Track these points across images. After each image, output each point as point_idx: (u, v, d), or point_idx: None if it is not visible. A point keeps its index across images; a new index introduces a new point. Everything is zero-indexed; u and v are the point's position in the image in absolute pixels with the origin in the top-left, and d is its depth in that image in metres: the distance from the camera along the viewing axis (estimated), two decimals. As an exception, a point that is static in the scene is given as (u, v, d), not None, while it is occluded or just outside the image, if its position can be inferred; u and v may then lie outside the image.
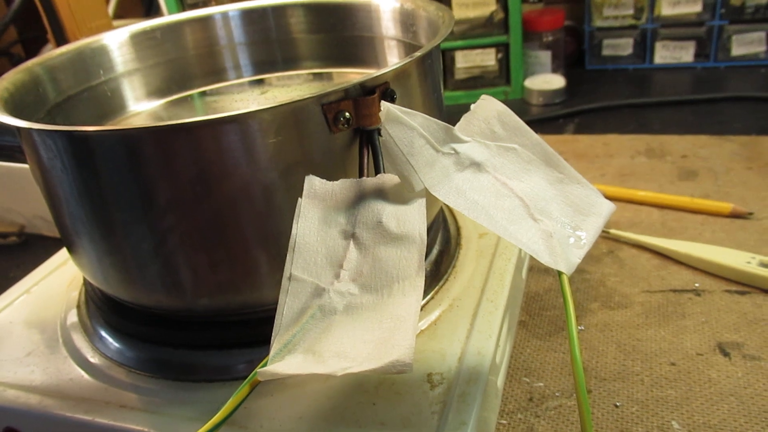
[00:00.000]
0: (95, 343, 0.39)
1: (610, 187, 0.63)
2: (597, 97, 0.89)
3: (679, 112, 0.82)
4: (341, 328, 0.25)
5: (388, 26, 0.46)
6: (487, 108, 0.33)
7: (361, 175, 0.31)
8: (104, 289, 0.37)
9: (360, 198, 0.29)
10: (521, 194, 0.31)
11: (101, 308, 0.40)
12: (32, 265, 0.67)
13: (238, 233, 0.31)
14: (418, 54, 0.32)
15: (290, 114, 0.29)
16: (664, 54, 0.94)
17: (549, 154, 0.33)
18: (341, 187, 0.29)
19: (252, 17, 0.50)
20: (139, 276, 0.34)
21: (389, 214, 0.28)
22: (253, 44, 0.50)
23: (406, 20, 0.44)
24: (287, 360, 0.23)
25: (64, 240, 0.39)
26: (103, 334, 0.39)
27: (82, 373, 0.37)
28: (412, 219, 0.28)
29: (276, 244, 0.32)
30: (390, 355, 0.22)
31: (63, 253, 0.50)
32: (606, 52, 0.97)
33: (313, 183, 0.29)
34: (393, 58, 0.46)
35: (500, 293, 0.39)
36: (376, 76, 0.30)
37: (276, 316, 0.25)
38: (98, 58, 0.46)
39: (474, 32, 0.88)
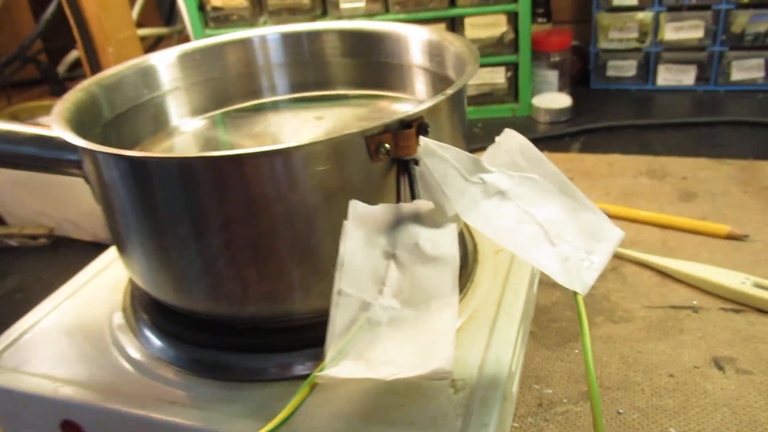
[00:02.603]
0: (142, 343, 0.42)
1: (615, 207, 0.67)
2: (601, 117, 0.93)
3: (679, 134, 0.85)
4: (386, 338, 0.28)
5: (416, 55, 0.49)
6: (511, 141, 0.36)
7: (398, 200, 0.34)
8: (155, 295, 0.41)
9: (398, 222, 0.33)
10: (541, 220, 0.34)
11: (148, 311, 0.44)
12: (62, 267, 0.71)
13: (283, 250, 0.35)
14: (450, 92, 0.36)
15: (338, 145, 0.33)
16: (667, 76, 0.98)
17: (565, 184, 0.36)
18: (382, 211, 0.33)
19: (288, 40, 0.53)
20: (192, 285, 0.37)
21: (425, 237, 0.32)
22: (288, 66, 0.54)
23: (433, 51, 0.48)
24: (341, 365, 0.27)
25: (118, 247, 0.42)
26: (150, 335, 0.43)
27: (133, 371, 0.40)
28: (446, 242, 0.32)
29: (316, 260, 0.36)
30: (432, 363, 0.26)
31: (103, 259, 0.53)
32: (610, 72, 1.01)
33: (356, 207, 0.32)
34: (419, 85, 0.50)
35: (515, 307, 0.42)
36: (414, 113, 0.34)
37: (328, 326, 0.29)
38: (145, 77, 0.50)
39: (485, 51, 0.92)
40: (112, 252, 0.54)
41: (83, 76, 1.10)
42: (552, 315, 0.54)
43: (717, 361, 0.47)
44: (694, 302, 0.54)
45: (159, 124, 0.50)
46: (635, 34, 0.97)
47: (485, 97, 0.95)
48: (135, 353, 0.42)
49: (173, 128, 0.51)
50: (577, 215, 0.36)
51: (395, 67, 0.51)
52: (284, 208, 0.34)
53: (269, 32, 0.54)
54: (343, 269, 0.30)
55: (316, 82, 0.54)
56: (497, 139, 0.36)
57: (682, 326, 0.51)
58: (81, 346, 0.43)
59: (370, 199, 0.33)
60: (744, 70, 0.94)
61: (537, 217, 0.34)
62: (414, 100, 0.50)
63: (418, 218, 0.33)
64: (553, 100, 0.94)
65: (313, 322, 0.39)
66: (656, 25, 0.95)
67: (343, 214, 0.32)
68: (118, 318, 0.45)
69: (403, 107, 0.50)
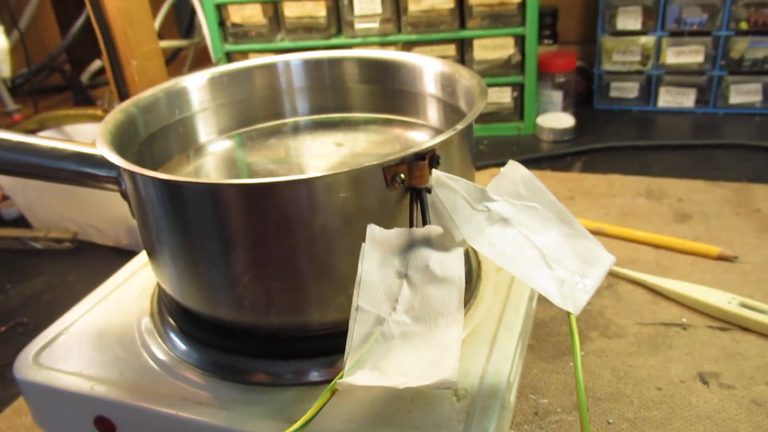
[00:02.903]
0: (169, 347, 0.46)
1: (612, 227, 0.70)
2: (603, 137, 0.96)
3: (678, 155, 0.89)
4: (399, 350, 0.32)
5: (429, 84, 0.53)
6: (514, 172, 0.40)
7: (411, 224, 0.38)
8: (183, 302, 0.44)
9: (411, 245, 0.36)
10: (540, 246, 0.38)
11: (174, 317, 0.47)
12: (86, 271, 0.75)
13: (304, 268, 0.38)
14: (460, 127, 0.39)
15: (358, 175, 0.36)
16: (667, 98, 1.02)
17: (563, 213, 0.40)
18: (396, 234, 0.36)
19: (310, 66, 0.57)
20: (219, 296, 0.41)
21: (435, 260, 0.35)
22: (309, 90, 0.58)
23: (445, 81, 0.51)
24: (358, 374, 0.30)
25: (150, 256, 0.46)
26: (176, 339, 0.46)
27: (161, 372, 0.44)
28: (453, 265, 0.35)
29: (333, 277, 0.39)
30: (440, 374, 0.29)
31: (130, 266, 0.57)
32: (613, 93, 1.05)
33: (373, 231, 0.36)
34: (432, 112, 0.53)
35: (515, 323, 0.46)
36: (427, 147, 0.37)
37: (347, 339, 0.32)
38: (177, 98, 0.53)
39: (492, 72, 0.96)
40: (138, 260, 0.58)
41: (105, 84, 1.14)
42: (549, 329, 0.57)
43: (702, 376, 0.51)
44: (684, 320, 0.57)
45: (187, 143, 0.54)
46: (638, 57, 1.00)
47: (491, 116, 0.99)
48: (162, 356, 0.45)
49: (200, 147, 0.55)
50: (573, 241, 0.39)
51: (409, 94, 0.54)
52: (307, 231, 0.37)
53: (293, 58, 0.57)
54: (361, 287, 0.34)
55: (335, 106, 0.58)
56: (502, 170, 0.40)
57: (671, 342, 0.54)
58: (113, 348, 0.47)
59: (386, 223, 0.36)
60: (742, 94, 0.97)
61: (536, 242, 0.38)
62: (426, 126, 0.54)
63: (428, 242, 0.36)
64: (557, 119, 0.97)
65: (327, 332, 0.42)
66: (658, 49, 0.98)
67: (360, 237, 0.36)
68: (147, 322, 0.49)
69: (416, 135, 0.53)
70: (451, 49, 0.95)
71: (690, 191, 0.78)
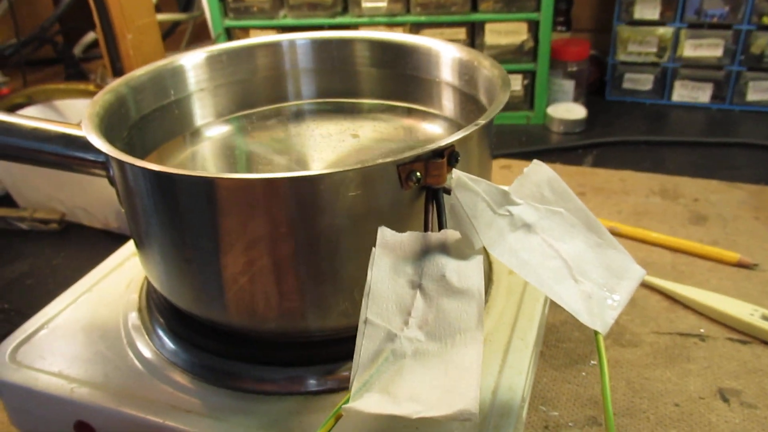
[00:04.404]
0: (157, 346, 0.43)
1: (626, 227, 0.67)
2: (615, 130, 0.93)
3: (692, 153, 0.86)
4: (411, 372, 0.29)
5: (445, 71, 0.49)
6: (539, 173, 0.37)
7: (426, 228, 0.34)
8: (173, 301, 0.41)
9: (426, 251, 0.33)
10: (565, 256, 0.35)
11: (164, 314, 0.44)
12: (73, 254, 0.71)
13: (308, 270, 0.35)
14: (481, 122, 0.36)
15: (369, 173, 0.33)
16: (682, 93, 0.98)
17: (590, 219, 0.36)
18: (409, 239, 0.33)
19: (317, 46, 0.53)
20: (212, 297, 0.38)
21: (452, 269, 0.32)
22: (315, 72, 0.54)
23: (462, 69, 0.48)
24: (366, 398, 0.27)
25: (138, 249, 0.42)
26: (165, 338, 0.43)
27: (147, 374, 0.41)
28: (472, 275, 0.32)
29: (339, 281, 0.36)
30: (457, 404, 0.26)
31: (119, 255, 0.53)
32: (626, 85, 1.01)
33: (384, 234, 0.33)
34: (447, 102, 0.50)
35: (529, 332, 0.43)
36: (446, 143, 0.34)
37: (354, 357, 0.29)
38: (172, 78, 0.50)
39: (504, 58, 0.92)
40: (127, 248, 0.54)
41: (99, 58, 1.10)
42: (560, 335, 0.54)
43: (722, 392, 0.48)
44: (702, 330, 0.54)
45: (183, 126, 0.50)
46: (654, 49, 0.96)
47: (500, 104, 0.95)
48: (150, 356, 0.42)
49: (197, 131, 0.51)
50: (601, 252, 0.36)
51: (423, 81, 0.51)
52: (311, 231, 0.34)
53: (298, 37, 0.54)
54: (370, 297, 0.31)
55: (343, 91, 0.54)
56: (525, 170, 0.36)
57: (689, 354, 0.52)
58: (96, 346, 0.44)
59: (398, 225, 0.33)
60: (761, 91, 0.94)
61: (561, 252, 0.35)
62: (440, 116, 0.50)
63: (445, 248, 0.33)
64: (568, 110, 0.94)
65: (329, 338, 0.39)
66: (676, 41, 0.95)
67: (370, 239, 0.32)
68: (134, 318, 0.46)
69: (429, 127, 0.50)
70: (461, 33, 0.91)
71: (706, 191, 0.75)
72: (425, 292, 0.32)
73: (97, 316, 0.47)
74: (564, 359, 0.52)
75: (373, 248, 0.32)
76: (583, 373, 0.50)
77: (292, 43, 0.54)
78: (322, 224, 0.34)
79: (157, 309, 0.45)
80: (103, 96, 0.43)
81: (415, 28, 0.91)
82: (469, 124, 0.36)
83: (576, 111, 0.94)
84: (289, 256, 0.35)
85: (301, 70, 0.54)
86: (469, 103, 0.48)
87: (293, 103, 0.55)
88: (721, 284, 0.59)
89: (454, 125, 0.49)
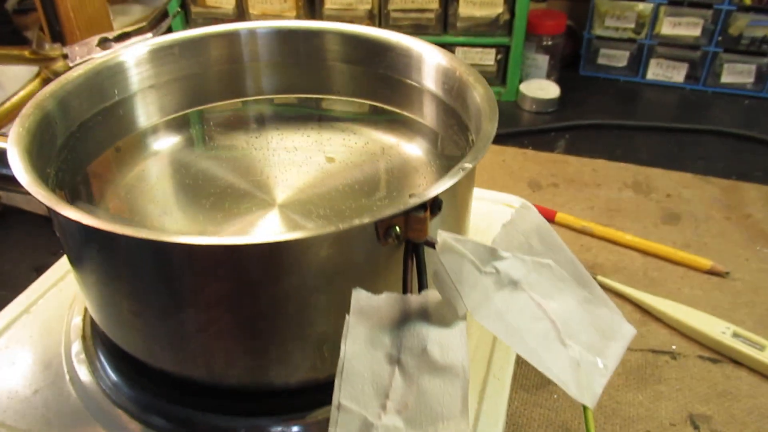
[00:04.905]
0: (104, 387, 0.39)
1: (600, 227, 0.65)
2: (588, 110, 0.90)
3: (665, 139, 0.84)
4: (389, 470, 0.26)
5: (427, 77, 0.45)
6: (527, 220, 0.34)
7: (405, 287, 0.31)
8: (120, 345, 0.37)
9: (405, 317, 0.30)
10: (553, 316, 0.32)
11: (112, 351, 0.40)
12: (11, 243, 0.65)
13: (275, 328, 0.32)
14: (468, 165, 0.32)
15: (346, 233, 0.29)
16: (657, 71, 0.96)
17: (580, 272, 0.34)
18: (386, 302, 0.30)
19: (281, 38, 0.48)
20: (166, 352, 0.34)
21: (433, 340, 0.29)
22: (278, 66, 0.49)
23: (443, 77, 0.43)
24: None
25: (79, 285, 0.38)
26: (114, 378, 0.39)
27: (93, 420, 0.37)
28: (456, 347, 0.29)
29: (306, 338, 0.33)
30: None
31: (60, 267, 0.48)
32: (601, 60, 0.98)
33: (360, 298, 0.29)
34: (426, 108, 0.45)
35: (506, 369, 0.41)
36: (430, 197, 0.30)
37: (325, 451, 0.26)
38: (114, 77, 0.44)
39: (477, 30, 0.87)
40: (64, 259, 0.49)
41: (34, 10, 1.00)
42: (532, 351, 0.53)
43: (693, 418, 0.47)
44: (673, 347, 0.53)
45: (126, 127, 0.45)
46: (632, 25, 0.93)
47: (472, 79, 0.90)
48: (97, 397, 0.38)
49: (146, 137, 0.46)
50: (590, 309, 0.33)
51: (399, 83, 0.46)
52: (277, 291, 0.30)
53: (259, 26, 0.48)
54: (344, 377, 0.28)
55: (309, 87, 0.49)
56: (512, 215, 0.33)
57: (660, 374, 0.51)
58: (37, 383, 0.40)
59: (373, 281, 0.30)
60: (735, 73, 0.92)
61: (549, 311, 0.32)
62: (417, 123, 0.46)
63: (425, 314, 0.30)
64: (542, 88, 0.90)
65: (293, 390, 0.36)
66: (654, 18, 0.91)
67: (342, 295, 0.29)
68: (78, 349, 0.42)
69: (407, 145, 0.45)
70: (434, 2, 0.85)
71: (678, 186, 0.73)
72: (404, 369, 0.29)
73: (37, 346, 0.42)
74: (535, 380, 0.50)
75: (347, 316, 0.29)
76: (555, 395, 0.49)
77: (252, 32, 0.48)
78: (289, 284, 0.30)
79: (103, 341, 0.41)
80: (28, 114, 0.37)
81: (385, -5, 0.85)
82: (455, 166, 0.32)
83: (549, 89, 0.90)
84: (253, 315, 0.31)
85: (262, 63, 0.49)
86: (448, 115, 0.44)
87: (253, 99, 0.50)
88: (692, 293, 0.59)
89: (432, 136, 0.45)
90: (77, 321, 0.44)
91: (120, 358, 0.39)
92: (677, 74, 0.95)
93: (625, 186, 0.74)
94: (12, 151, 0.33)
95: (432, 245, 0.31)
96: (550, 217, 0.67)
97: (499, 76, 0.92)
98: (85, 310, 0.44)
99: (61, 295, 0.46)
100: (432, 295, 0.30)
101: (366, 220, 0.28)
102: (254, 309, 0.31)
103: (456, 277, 0.29)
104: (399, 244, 0.31)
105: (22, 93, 0.74)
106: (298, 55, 0.49)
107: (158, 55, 0.46)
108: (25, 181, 0.30)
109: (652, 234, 0.66)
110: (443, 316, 0.30)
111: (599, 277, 0.59)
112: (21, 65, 0.76)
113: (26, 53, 0.75)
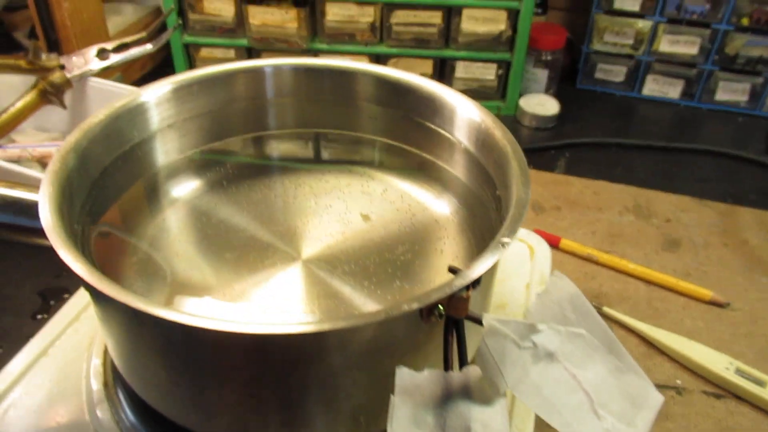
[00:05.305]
0: (128, 436, 0.39)
1: (604, 254, 0.66)
2: (586, 125, 0.91)
3: (662, 158, 0.85)
4: None
5: (459, 129, 0.44)
6: (561, 289, 0.34)
7: (446, 363, 0.32)
8: (152, 406, 0.37)
9: (447, 395, 0.30)
10: (586, 386, 0.33)
11: (134, 400, 0.40)
12: (14, 265, 0.64)
13: (314, 401, 0.32)
14: (507, 241, 0.32)
15: (389, 319, 0.29)
16: (653, 87, 0.97)
17: (612, 341, 0.34)
18: (428, 380, 0.30)
19: (309, 75, 0.47)
20: (199, 416, 0.34)
21: (476, 419, 0.30)
22: (303, 102, 0.48)
23: (477, 134, 0.43)
24: None
25: (112, 350, 0.37)
26: (136, 424, 0.39)
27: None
28: (498, 426, 0.30)
29: (345, 409, 0.33)
30: None
31: (74, 305, 0.48)
32: (599, 75, 0.98)
33: (403, 376, 0.30)
34: (451, 157, 0.45)
35: (528, 423, 0.42)
36: (473, 278, 0.30)
37: None
38: (134, 118, 0.43)
39: (479, 45, 0.87)
40: (81, 296, 0.49)
41: (23, 8, 0.97)
42: (542, 386, 0.54)
43: (699, 457, 0.49)
44: (678, 382, 0.55)
45: (144, 168, 0.44)
46: (630, 41, 0.93)
47: (472, 93, 0.90)
48: (123, 452, 0.38)
49: (163, 188, 0.45)
50: (621, 377, 0.34)
51: (431, 131, 0.46)
52: (318, 371, 0.30)
53: (284, 63, 0.47)
54: (390, 463, 0.28)
55: (336, 124, 0.49)
56: (548, 284, 0.34)
57: (667, 410, 0.52)
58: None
59: (413, 355, 0.30)
60: (729, 91, 0.93)
61: (583, 382, 0.33)
62: (439, 169, 0.46)
63: (467, 392, 0.30)
64: (541, 104, 0.91)
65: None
66: (653, 35, 0.92)
67: (382, 368, 0.30)
68: (100, 396, 0.41)
69: (435, 201, 0.45)
70: (436, 17, 0.84)
71: (677, 209, 0.75)
72: (449, 450, 0.29)
73: (57, 392, 0.42)
74: (547, 416, 0.51)
75: (392, 396, 0.29)
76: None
77: (277, 69, 0.47)
78: (331, 364, 0.30)
79: (126, 389, 0.41)
80: (61, 158, 0.36)
81: (387, 7, 0.84)
82: (491, 242, 0.32)
83: (548, 105, 0.91)
84: (293, 391, 0.31)
85: (287, 99, 0.48)
86: (473, 166, 0.44)
87: (272, 135, 0.49)
88: (694, 325, 0.60)
89: (454, 185, 0.45)
90: (96, 364, 0.43)
91: (143, 408, 0.39)
92: (673, 90, 0.96)
93: (626, 210, 0.75)
94: (46, 217, 0.32)
95: (471, 319, 0.32)
96: (554, 244, 0.68)
97: (499, 91, 0.92)
98: (104, 352, 0.44)
99: (77, 336, 0.46)
100: (473, 371, 0.31)
101: (414, 305, 0.28)
102: (294, 386, 0.31)
103: (499, 357, 0.30)
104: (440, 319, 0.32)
105: (19, 105, 0.72)
106: (323, 93, 0.48)
107: (179, 93, 0.45)
108: (68, 259, 0.30)
109: (653, 261, 0.67)
110: (485, 393, 0.30)
111: (605, 309, 0.60)
112: (17, 75, 0.74)
113: (22, 63, 0.73)
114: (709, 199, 0.77)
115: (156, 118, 0.44)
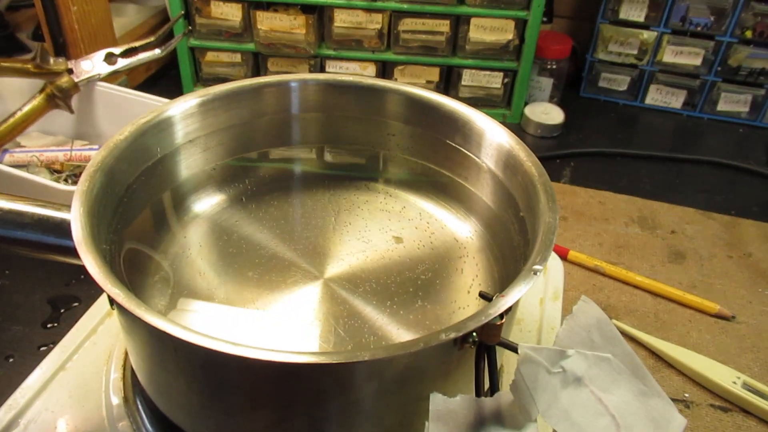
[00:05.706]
0: (152, 454, 0.39)
1: (611, 267, 0.67)
2: (590, 134, 0.92)
3: (665, 169, 0.86)
4: None
5: (484, 150, 0.45)
6: (588, 314, 0.35)
7: (477, 389, 0.32)
8: (177, 424, 0.37)
9: (480, 421, 0.31)
10: (612, 410, 0.33)
11: (155, 416, 0.40)
12: (24, 274, 0.64)
13: (346, 424, 0.32)
14: (539, 268, 0.33)
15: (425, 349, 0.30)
16: (656, 96, 0.97)
17: (637, 365, 0.35)
18: (462, 406, 0.31)
19: (335, 91, 0.47)
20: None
21: (508, 445, 0.30)
22: (327, 118, 0.48)
23: (506, 160, 0.43)
24: None
25: (140, 373, 0.37)
26: (160, 442, 0.39)
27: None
28: (530, 452, 0.30)
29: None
30: None
31: (91, 318, 0.48)
32: (602, 83, 0.99)
33: (437, 402, 0.30)
34: (479, 188, 0.45)
35: (546, 439, 0.42)
36: (507, 307, 0.31)
37: None
38: (158, 134, 0.43)
39: (486, 53, 0.87)
40: (98, 308, 0.48)
41: (27, 7, 0.96)
42: None
43: (708, 471, 0.50)
44: (686, 395, 0.56)
45: (165, 183, 0.44)
46: (635, 51, 0.94)
47: (477, 101, 0.91)
48: (147, 468, 0.39)
49: (184, 204, 0.45)
50: (645, 401, 0.35)
51: (458, 153, 0.46)
52: (351, 397, 0.31)
53: (310, 78, 0.47)
54: (426, 487, 0.28)
55: (357, 140, 0.49)
56: (575, 309, 0.34)
57: (676, 425, 0.53)
58: (81, 450, 0.39)
59: (445, 380, 0.31)
60: (731, 102, 0.94)
61: (609, 406, 0.33)
62: (459, 188, 0.47)
63: (499, 418, 0.31)
64: (546, 113, 0.91)
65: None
66: (657, 46, 0.93)
67: (414, 393, 0.30)
68: (120, 412, 0.41)
69: (460, 225, 0.45)
70: (444, 25, 0.85)
71: (682, 221, 0.76)
72: (482, 476, 0.30)
73: (77, 409, 0.42)
74: None
75: (427, 423, 0.30)
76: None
77: (304, 83, 0.47)
78: (364, 391, 0.31)
79: (145, 400, 0.41)
80: (83, 191, 0.36)
81: (395, 15, 0.84)
82: (523, 268, 0.33)
83: (553, 114, 0.91)
84: (326, 416, 0.31)
85: (310, 114, 0.48)
86: (496, 187, 0.44)
87: (297, 150, 0.49)
88: (701, 337, 0.61)
89: (474, 204, 0.46)
90: (116, 378, 0.43)
91: (165, 424, 0.39)
92: (675, 100, 0.97)
93: (631, 221, 0.75)
94: (78, 237, 0.32)
95: (505, 346, 0.32)
96: (563, 255, 0.68)
97: (505, 99, 0.92)
98: (123, 366, 0.44)
99: (95, 350, 0.46)
100: (504, 397, 0.31)
101: (452, 335, 0.29)
102: (328, 411, 0.31)
103: (532, 385, 0.30)
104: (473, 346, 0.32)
105: (26, 109, 0.72)
106: (348, 109, 0.48)
107: (205, 108, 0.45)
108: (102, 281, 0.30)
109: (659, 273, 0.68)
110: (516, 419, 0.31)
111: (614, 321, 0.61)
112: (25, 79, 0.73)
113: (30, 67, 0.73)
114: (712, 210, 0.78)
115: (180, 132, 0.44)
